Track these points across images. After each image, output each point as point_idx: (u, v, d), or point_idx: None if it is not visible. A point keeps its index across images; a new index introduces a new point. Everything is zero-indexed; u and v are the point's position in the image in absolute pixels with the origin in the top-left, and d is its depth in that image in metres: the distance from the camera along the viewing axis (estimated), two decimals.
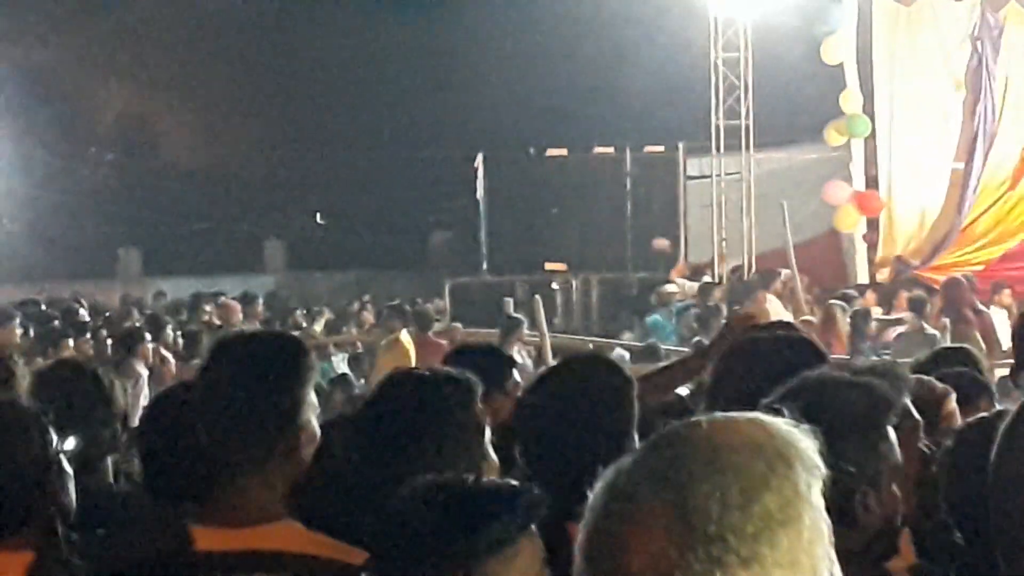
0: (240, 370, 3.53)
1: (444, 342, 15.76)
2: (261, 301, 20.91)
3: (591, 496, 1.74)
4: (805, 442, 1.74)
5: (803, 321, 14.96)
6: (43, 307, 17.18)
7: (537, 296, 16.67)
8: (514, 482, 2.94)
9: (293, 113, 37.49)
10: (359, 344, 17.99)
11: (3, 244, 34.61)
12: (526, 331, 16.70)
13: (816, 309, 18.02)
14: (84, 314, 14.87)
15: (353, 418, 3.96)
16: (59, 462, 3.53)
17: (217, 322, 15.91)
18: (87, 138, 38.72)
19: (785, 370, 3.27)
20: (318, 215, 39.76)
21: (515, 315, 16.97)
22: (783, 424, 1.74)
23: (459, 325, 18.36)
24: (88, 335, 11.96)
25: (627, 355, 12.29)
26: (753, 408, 1.87)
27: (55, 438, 3.55)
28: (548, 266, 25.53)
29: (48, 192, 34.86)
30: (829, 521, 1.73)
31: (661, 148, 26.78)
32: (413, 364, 15.59)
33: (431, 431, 3.57)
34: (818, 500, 1.71)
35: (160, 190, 37.46)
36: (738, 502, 1.65)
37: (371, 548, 2.86)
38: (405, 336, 14.84)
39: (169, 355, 12.30)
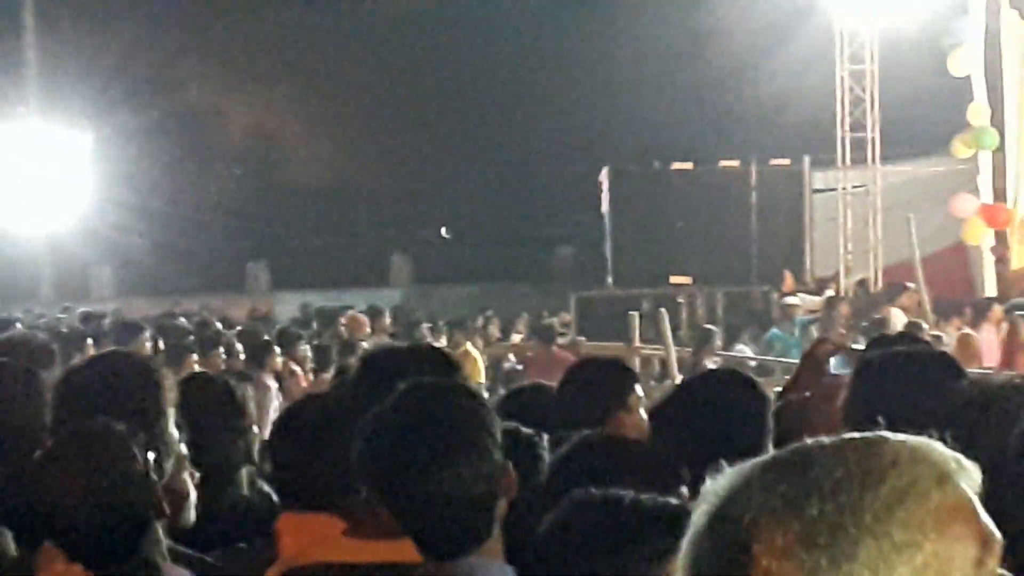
0: (389, 382, 3.57)
1: (569, 355, 15.80)
2: (388, 314, 21.04)
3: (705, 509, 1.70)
4: (960, 466, 1.69)
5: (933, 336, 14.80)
6: (178, 320, 17.41)
7: (662, 309, 16.63)
8: (672, 500, 2.93)
9: (419, 128, 37.72)
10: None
11: (135, 258, 35.17)
12: (649, 345, 16.69)
13: (942, 324, 17.82)
14: (215, 327, 15.05)
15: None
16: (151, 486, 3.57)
17: (345, 336, 16.03)
18: (216, 154, 39.24)
19: (923, 385, 3.25)
20: (443, 229, 39.99)
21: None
22: (935, 446, 1.70)
23: (583, 339, 18.36)
24: (220, 348, 12.10)
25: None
26: (892, 426, 1.85)
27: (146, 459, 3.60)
28: (673, 279, 25.46)
29: (178, 207, 35.36)
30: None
31: (786, 161, 26.61)
32: (482, 375, 15.84)
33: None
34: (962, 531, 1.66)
35: (288, 205, 37.89)
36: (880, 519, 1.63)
37: (523, 565, 2.86)
38: (472, 349, 15.17)
39: (298, 368, 12.43)
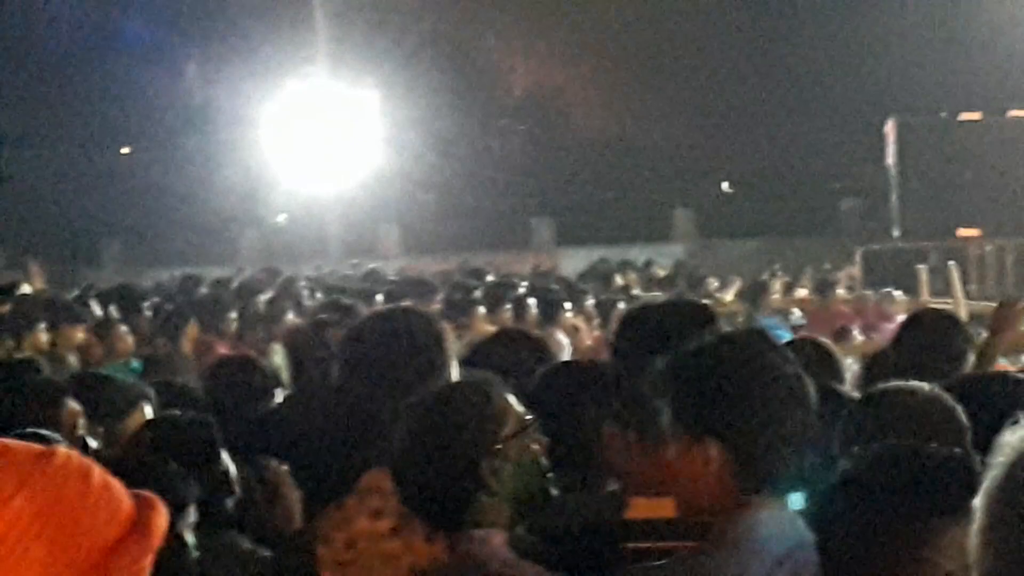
0: (650, 339, 3.61)
1: (846, 310, 15.66)
2: (660, 269, 21.09)
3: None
4: None
5: None
6: (466, 277, 17.69)
7: (952, 262, 16.31)
8: (963, 451, 2.94)
9: (700, 81, 37.57)
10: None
11: (418, 216, 35.80)
12: (938, 298, 16.38)
13: None
14: (504, 283, 15.24)
15: None
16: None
17: (633, 291, 16.11)
18: (499, 109, 39.63)
19: None
20: (725, 183, 39.77)
21: None
22: None
23: (870, 292, 18.12)
24: (508, 305, 12.25)
25: None
26: None
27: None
28: (961, 232, 24.94)
29: (461, 164, 35.84)
30: None
31: None
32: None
33: None
34: None
35: (571, 160, 38.10)
36: None
37: (818, 515, 2.91)
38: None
39: (583, 324, 12.52)
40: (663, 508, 3.17)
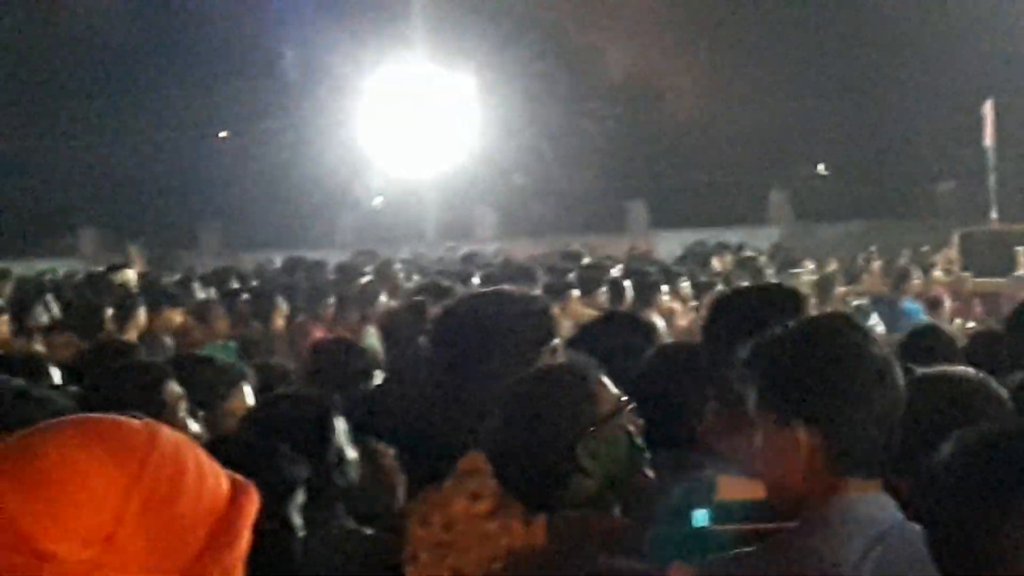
0: (740, 323, 3.64)
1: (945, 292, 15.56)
2: (754, 252, 21.00)
3: None
4: None
5: None
6: (557, 260, 17.73)
7: None
8: None
9: (795, 63, 37.34)
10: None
11: (514, 199, 35.86)
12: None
13: None
14: (598, 266, 15.27)
15: None
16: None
17: (728, 274, 16.08)
18: (594, 92, 39.59)
19: None
20: (821, 166, 39.53)
21: None
22: None
23: (968, 275, 18.00)
24: (603, 287, 12.28)
25: None
26: None
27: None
28: None
29: (557, 147, 35.86)
30: None
31: None
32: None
33: None
34: None
35: (665, 142, 38.04)
36: None
37: (918, 503, 2.91)
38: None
39: (678, 306, 12.54)
40: (753, 489, 3.19)
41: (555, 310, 10.77)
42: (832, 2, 36.77)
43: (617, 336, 4.79)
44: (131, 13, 37.83)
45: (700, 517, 3.42)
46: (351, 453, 4.08)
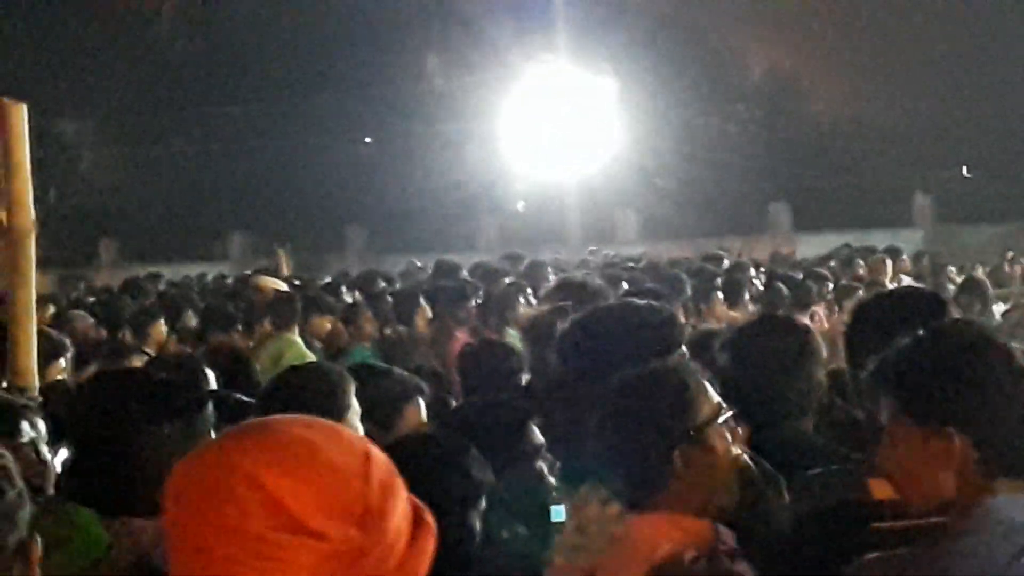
0: (883, 328, 3.66)
1: None
2: (906, 256, 20.79)
3: None
4: None
5: None
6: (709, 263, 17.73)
7: None
8: None
9: (938, 64, 36.96)
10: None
11: (656, 202, 35.82)
12: None
13: None
14: (744, 270, 15.28)
15: None
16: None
17: (867, 277, 15.97)
18: (735, 94, 39.46)
19: None
20: (964, 168, 39.02)
21: None
22: None
23: None
24: (745, 292, 12.31)
25: None
26: None
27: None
28: None
29: (699, 149, 35.78)
30: None
31: None
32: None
33: None
34: None
35: (808, 145, 37.78)
36: None
37: None
38: None
39: (822, 310, 12.50)
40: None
41: (699, 314, 10.81)
42: (977, 1, 36.32)
43: (775, 338, 4.77)
44: (280, 22, 38.34)
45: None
46: (541, 465, 4.15)
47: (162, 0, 40.04)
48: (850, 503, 3.54)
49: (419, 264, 21.64)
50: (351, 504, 2.08)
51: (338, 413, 4.23)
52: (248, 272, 20.63)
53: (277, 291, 12.24)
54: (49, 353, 6.81)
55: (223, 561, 2.04)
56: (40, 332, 6.25)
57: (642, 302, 4.64)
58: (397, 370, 5.14)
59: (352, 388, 4.42)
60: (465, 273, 15.66)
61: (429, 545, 2.15)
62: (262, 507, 2.04)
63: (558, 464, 4.27)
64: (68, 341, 7.84)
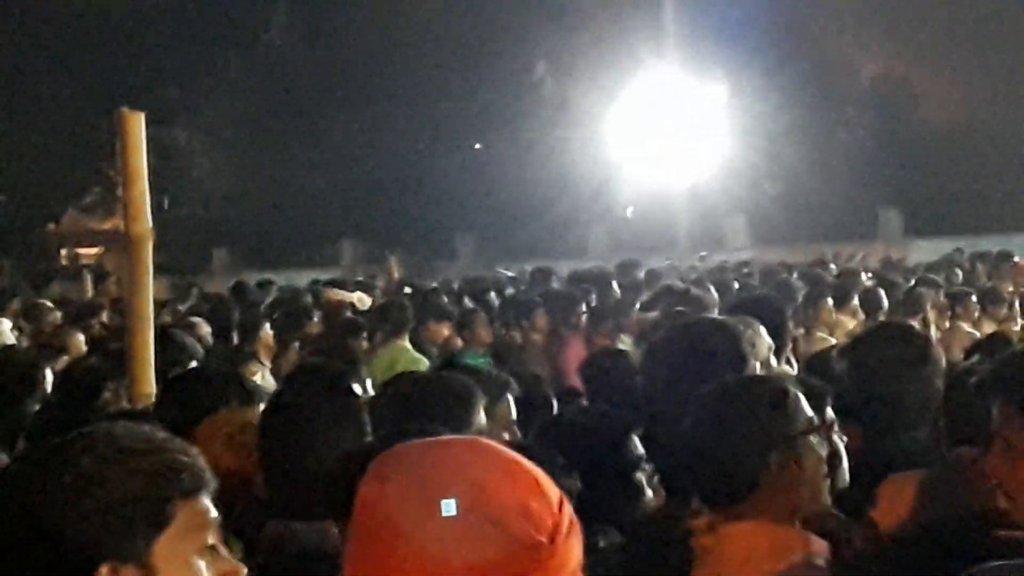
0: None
1: None
2: (1018, 259, 20.56)
3: None
4: None
5: None
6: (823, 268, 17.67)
7: None
8: None
9: None
10: None
11: (765, 207, 35.67)
12: None
13: None
14: (853, 276, 15.23)
15: None
16: None
17: (988, 283, 15.83)
18: (845, 99, 39.22)
19: None
20: None
21: None
22: None
23: None
24: (855, 298, 12.28)
25: None
26: None
27: None
28: None
29: (808, 154, 35.58)
30: None
31: None
32: None
33: None
34: None
35: (919, 149, 37.45)
36: None
37: None
38: None
39: (935, 315, 12.42)
40: None
41: (807, 320, 10.79)
42: None
43: (895, 346, 4.76)
44: (392, 30, 38.57)
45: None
46: (639, 477, 4.08)
47: (275, 8, 40.42)
48: (974, 511, 3.50)
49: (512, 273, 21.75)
50: (547, 520, 2.15)
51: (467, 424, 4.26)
52: (360, 279, 20.83)
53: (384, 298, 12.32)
54: (175, 360, 6.87)
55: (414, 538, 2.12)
56: (167, 335, 6.34)
57: (717, 319, 4.67)
58: (484, 367, 5.14)
59: (480, 401, 4.39)
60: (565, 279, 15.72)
61: None
62: (468, 495, 2.12)
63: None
64: (198, 345, 7.93)
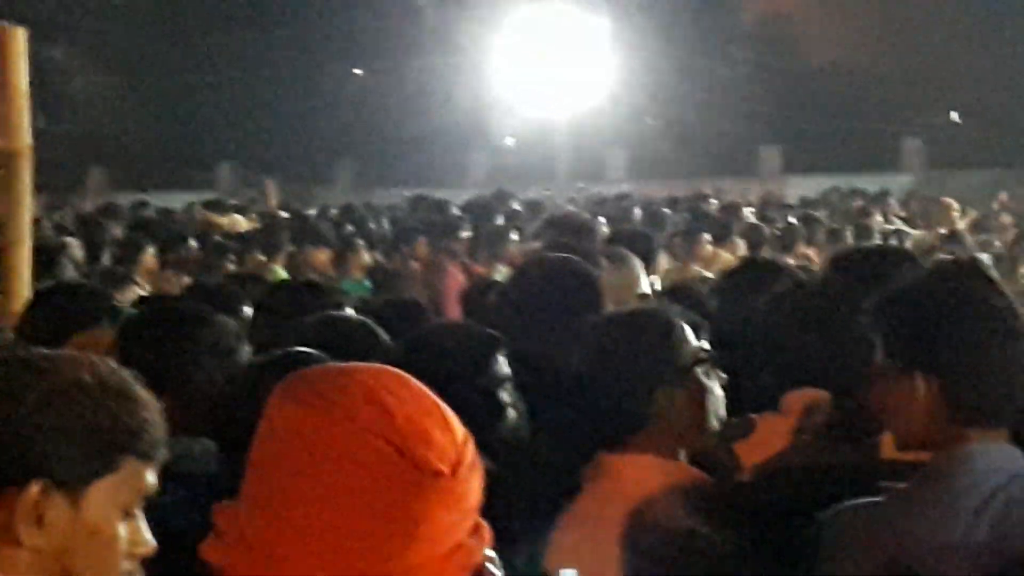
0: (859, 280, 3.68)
1: None
2: (894, 200, 20.87)
3: None
4: None
5: None
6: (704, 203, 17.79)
7: None
8: None
9: (928, 8, 36.91)
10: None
11: (646, 141, 35.82)
12: None
13: None
14: (735, 213, 15.33)
15: None
16: None
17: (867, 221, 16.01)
18: (729, 36, 39.39)
19: None
20: (954, 113, 38.99)
21: None
22: None
23: None
24: (736, 237, 12.37)
25: None
26: None
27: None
28: None
29: (690, 90, 35.72)
30: None
31: None
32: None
33: None
34: None
35: (799, 88, 37.74)
36: None
37: None
38: None
39: (814, 253, 12.55)
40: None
41: (686, 256, 10.79)
42: None
43: (760, 282, 4.75)
44: None
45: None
46: (503, 396, 3.92)
47: None
48: (853, 462, 3.49)
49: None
50: (451, 449, 2.19)
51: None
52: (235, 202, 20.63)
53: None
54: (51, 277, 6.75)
55: (318, 457, 2.14)
56: (40, 252, 6.26)
57: (572, 259, 4.68)
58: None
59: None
60: (455, 209, 15.67)
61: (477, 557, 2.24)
62: (371, 417, 2.15)
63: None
64: (72, 265, 7.83)
